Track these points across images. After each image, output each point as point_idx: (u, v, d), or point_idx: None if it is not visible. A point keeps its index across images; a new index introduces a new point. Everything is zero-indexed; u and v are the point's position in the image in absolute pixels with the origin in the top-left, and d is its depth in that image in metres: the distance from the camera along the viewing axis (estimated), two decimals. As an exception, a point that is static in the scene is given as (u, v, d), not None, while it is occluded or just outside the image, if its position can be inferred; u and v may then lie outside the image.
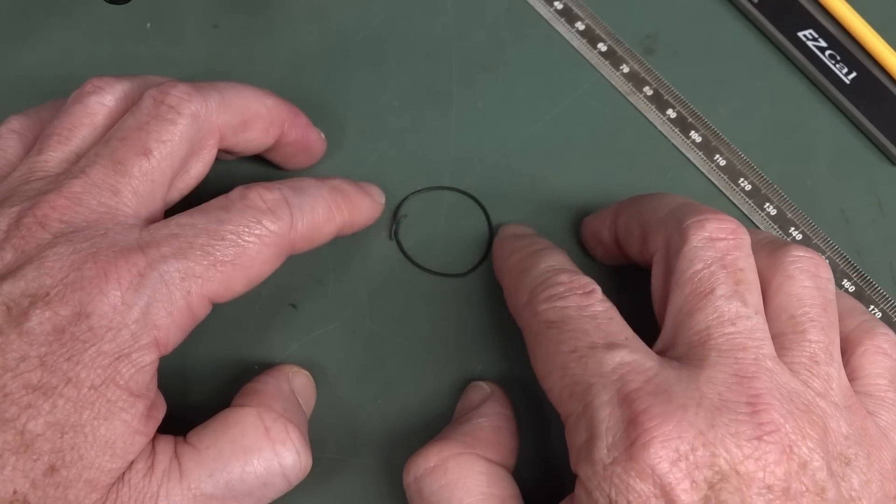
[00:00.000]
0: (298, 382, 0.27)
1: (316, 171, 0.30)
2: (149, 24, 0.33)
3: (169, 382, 0.28)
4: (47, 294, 0.21)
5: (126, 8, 0.33)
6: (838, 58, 0.32)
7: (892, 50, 0.32)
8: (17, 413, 0.20)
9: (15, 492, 0.20)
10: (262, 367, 0.28)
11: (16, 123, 0.26)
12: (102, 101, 0.25)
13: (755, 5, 0.33)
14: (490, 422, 0.25)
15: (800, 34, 0.32)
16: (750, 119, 0.32)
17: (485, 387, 0.27)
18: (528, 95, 0.32)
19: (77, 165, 0.24)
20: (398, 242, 0.30)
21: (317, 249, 0.29)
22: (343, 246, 0.30)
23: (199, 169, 0.26)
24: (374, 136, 0.31)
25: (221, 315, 0.28)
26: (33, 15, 0.33)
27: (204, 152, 0.26)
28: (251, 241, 0.23)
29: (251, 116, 0.26)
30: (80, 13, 0.33)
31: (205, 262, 0.23)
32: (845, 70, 0.32)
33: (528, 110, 0.32)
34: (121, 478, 0.22)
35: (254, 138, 0.27)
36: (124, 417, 0.21)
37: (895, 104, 0.31)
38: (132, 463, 0.22)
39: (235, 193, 0.24)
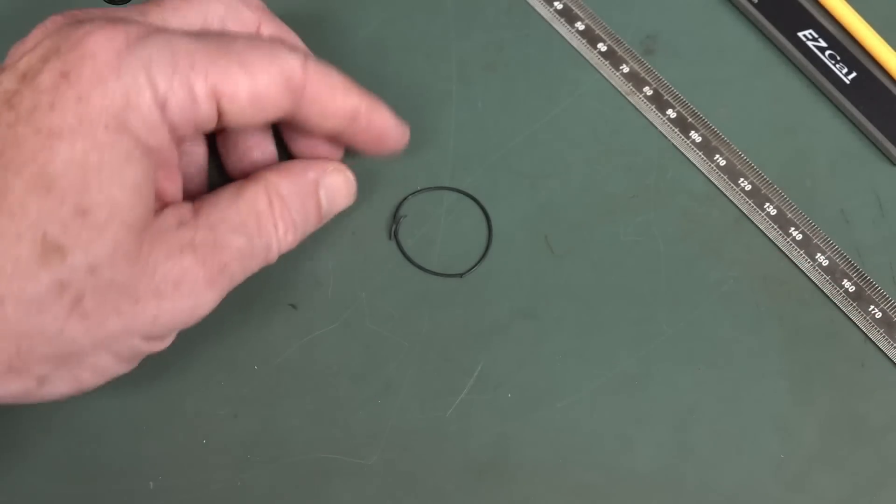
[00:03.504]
0: (332, 179, 0.27)
1: (316, 171, 0.30)
2: (149, 24, 0.33)
3: (168, 382, 0.28)
4: (58, 49, 0.22)
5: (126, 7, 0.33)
6: (838, 58, 0.32)
7: (892, 50, 0.32)
8: (33, 154, 0.21)
9: (45, 235, 0.21)
10: (262, 367, 0.28)
11: None
12: None
13: (755, 5, 0.33)
14: None
15: (800, 34, 0.32)
16: (750, 119, 0.32)
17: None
18: (528, 95, 0.32)
19: None
20: (398, 242, 0.30)
21: (317, 249, 0.29)
22: (343, 246, 0.30)
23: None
24: (374, 136, 0.31)
25: (222, 315, 0.28)
26: (33, 15, 0.33)
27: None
28: (263, 52, 0.24)
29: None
30: (80, 13, 0.33)
31: (213, 50, 0.23)
32: (845, 70, 0.32)
33: (528, 110, 0.32)
34: (155, 224, 0.23)
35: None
36: (144, 164, 0.22)
37: (895, 104, 0.31)
38: (161, 214, 0.23)
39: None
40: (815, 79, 0.32)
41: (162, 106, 0.22)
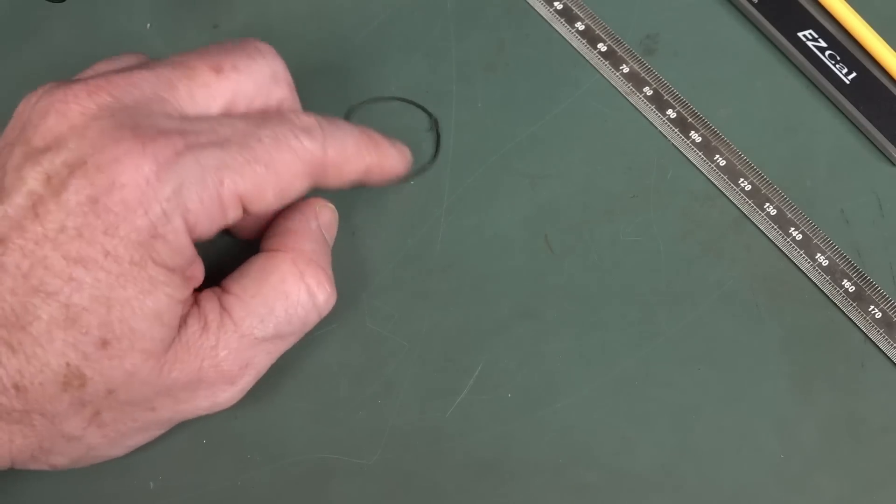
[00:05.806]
0: (325, 218, 0.27)
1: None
2: (148, 25, 0.33)
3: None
4: (85, 163, 0.21)
5: (126, 8, 0.33)
6: (838, 58, 0.32)
7: (892, 50, 0.32)
8: (60, 286, 0.21)
9: (68, 364, 0.21)
10: (262, 367, 0.28)
11: None
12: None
13: (755, 5, 0.33)
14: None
15: (800, 34, 0.32)
16: (750, 119, 0.32)
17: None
18: (528, 95, 0.32)
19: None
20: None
21: (317, 249, 0.29)
22: (343, 246, 0.30)
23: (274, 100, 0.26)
24: (374, 136, 0.31)
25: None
26: (33, 15, 0.33)
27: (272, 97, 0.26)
28: (286, 149, 0.24)
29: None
30: (80, 13, 0.33)
31: (240, 158, 0.23)
32: (845, 70, 0.32)
33: (528, 110, 0.32)
34: (178, 339, 0.23)
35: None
36: (167, 291, 0.22)
37: (895, 104, 0.31)
38: (185, 324, 0.23)
39: (273, 110, 0.25)
40: (815, 79, 0.32)
41: (192, 228, 0.22)
